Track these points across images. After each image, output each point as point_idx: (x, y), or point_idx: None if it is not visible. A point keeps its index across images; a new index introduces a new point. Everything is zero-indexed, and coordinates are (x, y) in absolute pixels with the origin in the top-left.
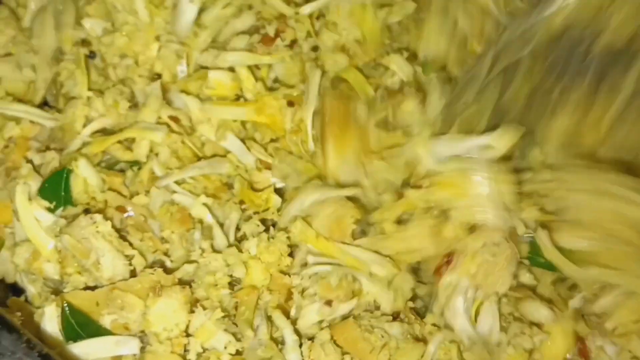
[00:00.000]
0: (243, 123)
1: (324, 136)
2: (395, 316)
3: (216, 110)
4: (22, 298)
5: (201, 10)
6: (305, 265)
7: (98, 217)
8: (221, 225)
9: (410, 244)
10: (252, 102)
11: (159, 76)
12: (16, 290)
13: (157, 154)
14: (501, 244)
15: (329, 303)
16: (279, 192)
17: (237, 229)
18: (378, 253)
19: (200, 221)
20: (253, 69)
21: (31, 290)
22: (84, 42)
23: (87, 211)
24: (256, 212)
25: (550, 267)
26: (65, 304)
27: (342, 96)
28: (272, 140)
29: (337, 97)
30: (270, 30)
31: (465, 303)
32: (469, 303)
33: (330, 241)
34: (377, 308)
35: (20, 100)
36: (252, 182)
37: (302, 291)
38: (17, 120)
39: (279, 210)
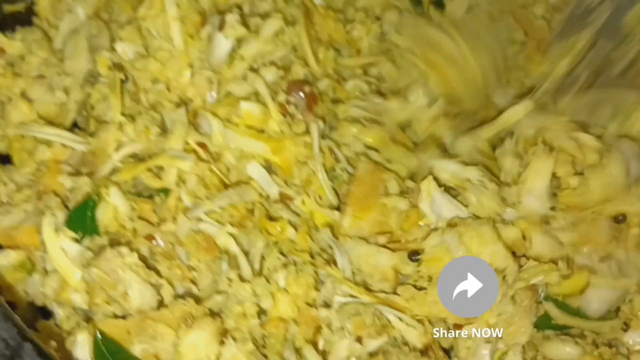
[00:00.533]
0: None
1: (349, 197)
2: (423, 351)
3: (237, 139)
4: (51, 321)
5: (241, 41)
6: (331, 299)
7: (124, 250)
8: (246, 253)
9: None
10: (273, 139)
11: (191, 101)
12: (45, 312)
13: (184, 182)
14: (519, 294)
15: (359, 340)
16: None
17: (262, 257)
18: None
19: (226, 251)
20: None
21: (60, 313)
22: (116, 66)
23: (113, 242)
24: (275, 242)
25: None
26: (98, 332)
27: (378, 164)
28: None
29: (373, 164)
30: (299, 72)
31: (487, 355)
32: (491, 354)
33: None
34: (405, 343)
35: (51, 122)
36: (270, 211)
37: (330, 325)
38: (48, 144)
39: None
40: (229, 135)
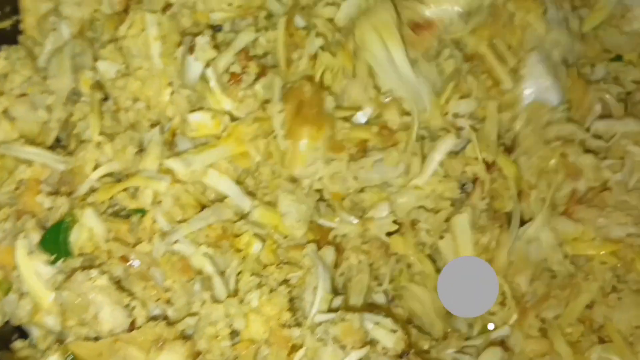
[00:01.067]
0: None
1: (300, 121)
2: (401, 355)
3: (197, 160)
4: (27, 341)
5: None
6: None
7: (94, 272)
8: (222, 273)
9: None
10: (228, 137)
11: (171, 120)
12: (22, 331)
13: (160, 203)
14: None
15: (343, 347)
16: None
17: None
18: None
19: (200, 271)
20: None
21: (35, 333)
22: (98, 84)
23: (86, 264)
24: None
25: None
26: (69, 354)
27: (315, 86)
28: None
29: (312, 85)
30: (237, 68)
31: None
32: None
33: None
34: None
35: (33, 140)
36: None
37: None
38: (29, 163)
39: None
40: (191, 160)
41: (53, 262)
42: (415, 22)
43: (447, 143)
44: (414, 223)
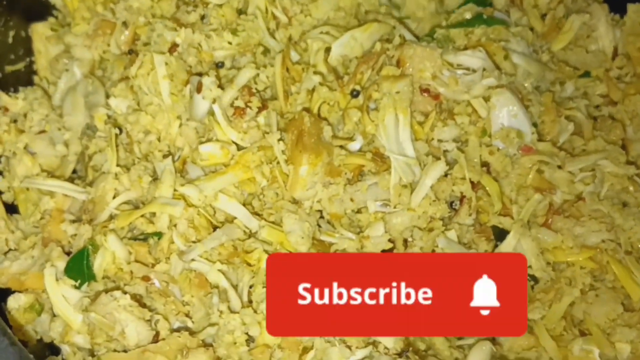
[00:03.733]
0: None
1: (301, 149)
2: (400, 354)
3: (208, 186)
4: (59, 357)
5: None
6: None
7: (117, 293)
8: (235, 286)
9: None
10: (235, 164)
11: (180, 150)
12: (54, 348)
13: (175, 226)
14: None
15: (349, 347)
16: None
17: (250, 289)
18: None
19: (217, 286)
20: None
21: (67, 350)
22: (111, 119)
23: (110, 286)
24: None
25: None
26: None
27: (314, 117)
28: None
29: (312, 116)
30: (240, 102)
31: None
32: None
33: None
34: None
35: (53, 173)
36: (245, 245)
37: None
38: (51, 194)
39: None
40: (203, 187)
41: (78, 287)
42: (426, 88)
43: (438, 169)
44: (407, 240)
